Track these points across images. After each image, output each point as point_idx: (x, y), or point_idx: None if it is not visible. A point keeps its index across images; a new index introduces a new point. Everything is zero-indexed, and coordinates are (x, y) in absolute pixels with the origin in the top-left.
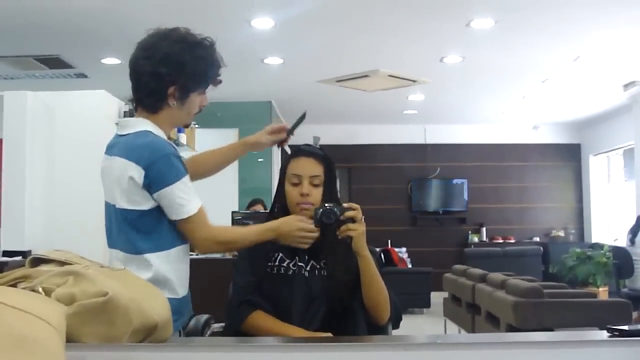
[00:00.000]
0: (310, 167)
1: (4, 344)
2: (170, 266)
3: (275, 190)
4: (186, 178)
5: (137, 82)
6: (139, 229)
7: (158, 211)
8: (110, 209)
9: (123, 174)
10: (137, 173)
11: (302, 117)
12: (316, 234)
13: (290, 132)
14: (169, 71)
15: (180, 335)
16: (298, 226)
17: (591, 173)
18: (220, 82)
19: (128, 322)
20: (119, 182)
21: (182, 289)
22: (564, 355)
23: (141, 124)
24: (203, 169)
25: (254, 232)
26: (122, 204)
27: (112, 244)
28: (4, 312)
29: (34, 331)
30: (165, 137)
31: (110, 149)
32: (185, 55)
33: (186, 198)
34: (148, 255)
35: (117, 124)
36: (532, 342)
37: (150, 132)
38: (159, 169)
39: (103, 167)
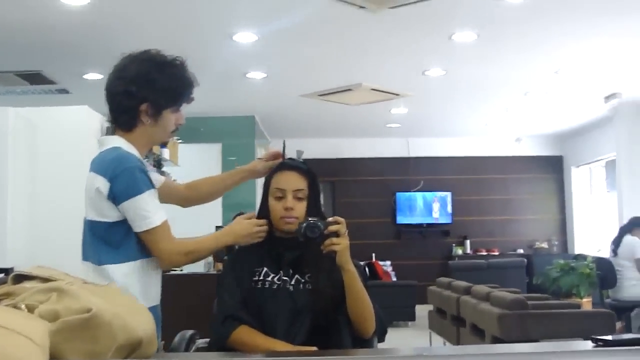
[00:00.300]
0: (294, 181)
1: None
2: (135, 278)
3: (259, 204)
4: (151, 192)
5: (111, 102)
6: (106, 240)
7: (125, 223)
8: (84, 222)
9: (91, 187)
10: (103, 185)
11: (284, 145)
12: (266, 227)
13: (283, 157)
14: (139, 89)
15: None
16: (251, 223)
17: (573, 184)
18: (192, 99)
19: (112, 338)
20: (88, 195)
21: (147, 301)
22: None
23: (114, 141)
24: (200, 194)
25: (212, 238)
26: (91, 215)
27: (84, 256)
28: None
29: (16, 349)
30: (137, 154)
31: (90, 165)
32: (154, 73)
33: (150, 210)
34: (109, 267)
35: (98, 140)
36: (518, 353)
37: (120, 147)
38: (123, 181)
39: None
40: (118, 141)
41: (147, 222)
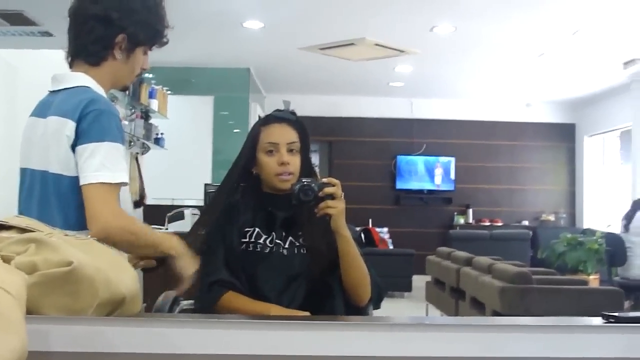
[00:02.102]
0: (286, 134)
1: None
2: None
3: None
4: (116, 145)
5: (80, 27)
6: (77, 199)
7: None
8: (36, 176)
9: (60, 135)
10: (70, 129)
11: None
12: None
13: None
14: (120, 16)
15: None
16: (193, 263)
17: (585, 155)
18: (165, 43)
19: (94, 294)
20: (56, 144)
21: None
22: (556, 340)
23: (79, 78)
24: None
25: (159, 235)
26: (58, 169)
27: (29, 214)
28: None
29: None
30: (104, 95)
31: (41, 110)
32: (137, 3)
33: (105, 164)
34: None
35: (52, 76)
36: (523, 326)
37: (90, 88)
38: (89, 122)
39: (30, 130)
40: (85, 79)
41: (97, 174)
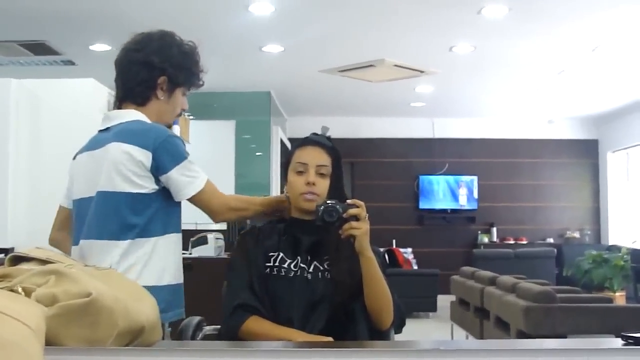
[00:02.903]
0: (317, 156)
1: None
2: (163, 251)
3: (279, 185)
4: (191, 157)
5: (127, 73)
6: (134, 211)
7: (158, 196)
8: (92, 200)
9: (125, 158)
10: (145, 157)
11: None
12: None
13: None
14: (160, 60)
15: (164, 330)
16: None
17: (609, 171)
18: (201, 85)
19: (113, 324)
20: (117, 167)
21: (170, 277)
22: None
23: (132, 114)
24: None
25: (259, 202)
26: (120, 188)
27: (96, 234)
28: None
29: (10, 333)
30: None
31: (95, 144)
32: (174, 47)
33: (195, 174)
34: (139, 240)
35: (105, 115)
36: (542, 350)
37: (144, 120)
38: (168, 150)
39: (82, 164)
40: (137, 114)
41: (198, 182)
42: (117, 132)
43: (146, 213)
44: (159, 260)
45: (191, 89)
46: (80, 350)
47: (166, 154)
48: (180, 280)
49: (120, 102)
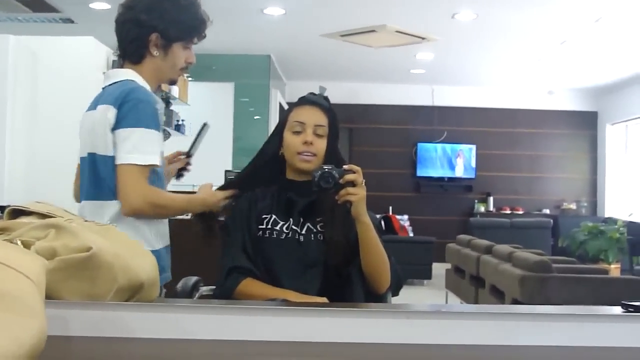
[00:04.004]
0: (315, 116)
1: None
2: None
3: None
4: (150, 131)
5: (120, 31)
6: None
7: None
8: (86, 161)
9: (103, 120)
10: (112, 115)
11: (203, 128)
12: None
13: (189, 153)
14: (149, 17)
15: (160, 293)
16: (220, 194)
17: (607, 143)
18: (204, 37)
19: (112, 279)
20: (99, 129)
21: (159, 242)
22: (575, 329)
23: (125, 74)
24: None
25: (185, 200)
26: (104, 150)
27: (86, 196)
28: None
29: (12, 285)
30: (149, 89)
31: (93, 104)
32: (166, 3)
33: (137, 147)
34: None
35: (104, 74)
36: (542, 315)
37: (134, 80)
38: (127, 109)
39: (83, 122)
40: (130, 74)
41: (129, 156)
42: (106, 93)
43: None
44: (143, 225)
45: (195, 41)
46: (79, 304)
47: (125, 112)
48: (167, 243)
49: (121, 61)
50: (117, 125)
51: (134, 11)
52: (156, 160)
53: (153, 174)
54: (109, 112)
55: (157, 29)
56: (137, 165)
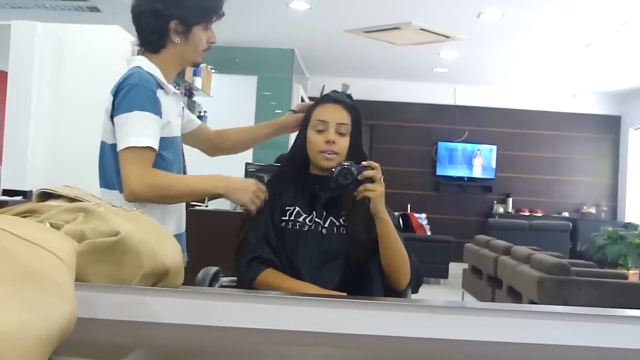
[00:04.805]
0: (337, 114)
1: (13, 276)
2: (149, 207)
3: (294, 140)
4: (145, 113)
5: (137, 23)
6: (115, 164)
7: None
8: (101, 148)
9: (105, 109)
10: (109, 102)
11: (323, 89)
12: (266, 196)
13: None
14: (166, 5)
15: None
16: (253, 182)
17: (630, 148)
18: (223, 14)
19: (139, 264)
20: (105, 118)
21: (172, 227)
22: (594, 329)
23: (137, 61)
24: (227, 144)
25: (192, 179)
26: (106, 139)
27: (100, 183)
28: (13, 243)
29: (43, 265)
30: (158, 74)
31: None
32: None
33: (132, 131)
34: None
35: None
36: (562, 314)
37: (139, 67)
38: (121, 97)
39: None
40: (141, 61)
41: (125, 140)
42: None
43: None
44: (155, 212)
45: (214, 20)
46: (107, 287)
47: (119, 100)
48: (181, 230)
49: (141, 49)
50: (114, 113)
51: (150, 1)
52: (153, 143)
53: (161, 160)
54: (107, 101)
55: (176, 16)
56: (133, 147)
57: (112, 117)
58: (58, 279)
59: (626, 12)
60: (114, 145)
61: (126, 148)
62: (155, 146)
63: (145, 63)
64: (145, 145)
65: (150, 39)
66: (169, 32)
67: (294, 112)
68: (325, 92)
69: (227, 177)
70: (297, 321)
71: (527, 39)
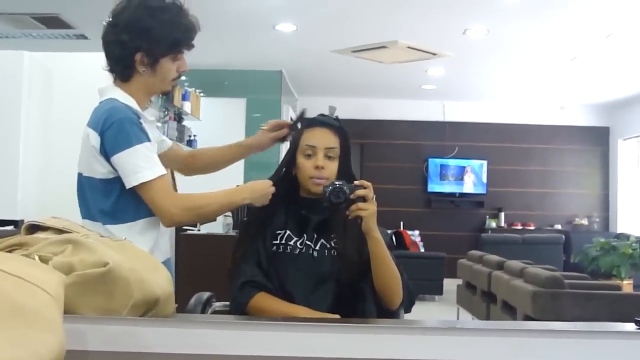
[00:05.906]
0: (325, 139)
1: (1, 312)
2: (137, 238)
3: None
4: (144, 145)
5: (106, 51)
6: (101, 198)
7: (118, 181)
8: (78, 180)
9: (87, 142)
10: (95, 140)
11: (302, 114)
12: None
13: (294, 126)
14: (132, 37)
15: None
16: (268, 182)
17: (619, 158)
18: (193, 46)
19: (128, 294)
20: (84, 150)
21: (160, 254)
22: (587, 345)
23: (111, 91)
24: (199, 164)
25: (222, 194)
26: (87, 172)
27: (82, 214)
28: (0, 278)
29: (31, 300)
30: (134, 105)
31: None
32: (147, 20)
33: (140, 164)
34: (110, 227)
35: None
36: (554, 331)
37: (115, 99)
38: (113, 134)
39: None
40: (114, 92)
41: (138, 176)
42: (93, 113)
43: (110, 198)
44: (148, 240)
45: (183, 51)
46: (97, 319)
47: (112, 138)
48: (167, 256)
49: (112, 77)
50: (110, 153)
51: (117, 30)
52: (163, 170)
53: None
54: (92, 137)
55: (141, 48)
56: (146, 182)
57: (106, 154)
58: (46, 313)
59: (610, 24)
60: (91, 179)
61: (143, 183)
62: (165, 171)
63: (119, 94)
64: (159, 175)
65: (117, 69)
66: (135, 64)
67: (265, 129)
68: (305, 116)
69: (249, 186)
70: (290, 347)
71: (514, 54)
